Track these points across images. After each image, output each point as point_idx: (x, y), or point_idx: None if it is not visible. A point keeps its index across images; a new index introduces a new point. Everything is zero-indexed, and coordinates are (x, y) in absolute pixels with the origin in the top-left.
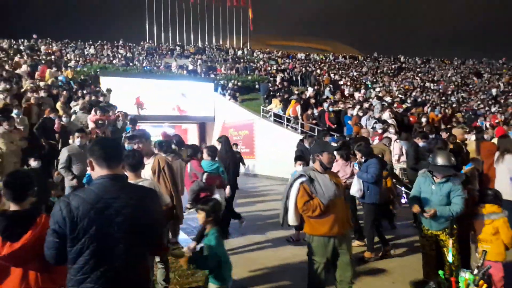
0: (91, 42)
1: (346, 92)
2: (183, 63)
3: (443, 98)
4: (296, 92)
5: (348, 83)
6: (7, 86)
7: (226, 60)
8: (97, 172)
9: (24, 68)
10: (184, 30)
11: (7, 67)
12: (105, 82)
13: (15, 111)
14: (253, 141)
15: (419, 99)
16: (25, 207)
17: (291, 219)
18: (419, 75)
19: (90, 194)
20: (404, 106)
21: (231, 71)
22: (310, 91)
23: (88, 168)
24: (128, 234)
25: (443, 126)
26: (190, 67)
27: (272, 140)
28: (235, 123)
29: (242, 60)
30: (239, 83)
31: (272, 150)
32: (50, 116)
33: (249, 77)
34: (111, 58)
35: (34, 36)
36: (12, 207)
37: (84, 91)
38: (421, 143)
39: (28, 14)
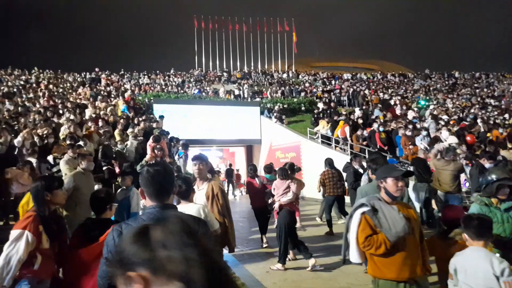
0: (145, 72)
1: (398, 112)
2: (230, 89)
3: (506, 115)
4: (344, 112)
5: (399, 102)
6: (71, 116)
7: (272, 83)
8: (148, 202)
9: (84, 100)
10: (231, 57)
11: (71, 98)
12: (158, 109)
13: (81, 142)
14: (300, 163)
15: (479, 117)
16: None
17: (354, 256)
18: (477, 90)
19: (140, 224)
20: (461, 124)
21: (277, 94)
22: (358, 112)
23: None
24: None
25: (509, 145)
26: (237, 92)
27: (320, 162)
28: (282, 145)
29: (287, 83)
30: (285, 106)
31: (320, 172)
32: (108, 143)
33: (295, 100)
34: (163, 86)
35: (96, 69)
36: None
37: (140, 119)
38: (487, 164)
39: (90, 49)
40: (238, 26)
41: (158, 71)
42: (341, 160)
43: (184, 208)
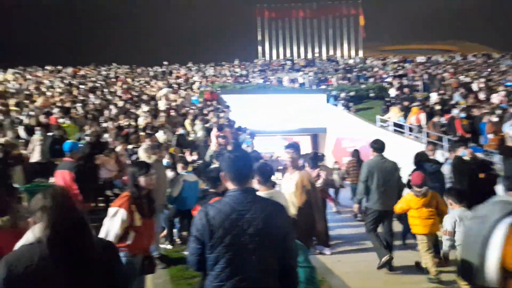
0: (212, 64)
1: (482, 96)
2: (294, 77)
3: None
4: (419, 98)
5: (483, 85)
6: (147, 108)
7: (337, 70)
8: (230, 185)
9: (163, 91)
10: (294, 45)
11: (146, 91)
12: (225, 99)
13: (160, 132)
14: (369, 152)
15: None
16: None
17: (492, 278)
18: None
19: (225, 205)
20: None
21: (343, 81)
22: (434, 97)
23: None
24: (259, 246)
25: None
26: (301, 80)
27: (391, 151)
28: (349, 134)
29: (354, 69)
30: (351, 93)
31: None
32: (181, 132)
33: (363, 86)
34: (229, 77)
35: (165, 62)
36: None
37: (207, 109)
38: None
39: (159, 44)
40: (302, 13)
41: (223, 62)
42: (415, 149)
43: (263, 193)
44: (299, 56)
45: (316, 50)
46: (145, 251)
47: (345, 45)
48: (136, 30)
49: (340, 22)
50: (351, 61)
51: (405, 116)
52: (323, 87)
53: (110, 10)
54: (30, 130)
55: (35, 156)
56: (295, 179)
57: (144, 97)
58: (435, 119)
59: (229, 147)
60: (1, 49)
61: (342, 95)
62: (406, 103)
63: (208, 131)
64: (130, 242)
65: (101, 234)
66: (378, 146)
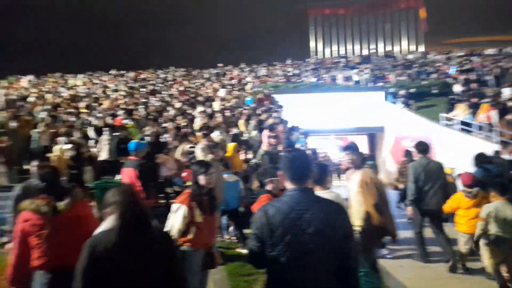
0: (265, 64)
1: None
2: (349, 75)
3: None
4: (489, 94)
5: None
6: (202, 109)
7: (396, 66)
8: (288, 185)
9: (221, 92)
10: (348, 41)
11: (201, 92)
12: (277, 99)
13: (216, 132)
14: (432, 152)
15: None
16: None
17: None
18: None
19: (283, 205)
20: None
21: (402, 77)
22: (507, 92)
23: None
24: (319, 246)
25: None
26: (356, 78)
27: (458, 151)
28: (409, 133)
29: (414, 65)
30: (412, 90)
31: (458, 163)
32: (236, 132)
33: (424, 82)
34: (281, 77)
35: (219, 64)
36: None
37: (261, 109)
38: None
39: (212, 46)
40: (356, 8)
41: (275, 62)
42: (485, 149)
43: (319, 193)
44: (353, 53)
45: (372, 46)
46: (206, 246)
47: (404, 40)
48: (192, 34)
49: (398, 16)
50: (410, 56)
51: (474, 114)
52: (380, 84)
53: (167, 16)
54: (98, 131)
55: (103, 155)
56: (357, 179)
57: (200, 98)
58: (509, 116)
59: (280, 147)
60: (72, 56)
61: (402, 92)
62: (474, 100)
63: (261, 130)
64: (191, 237)
65: (166, 228)
66: (422, 147)
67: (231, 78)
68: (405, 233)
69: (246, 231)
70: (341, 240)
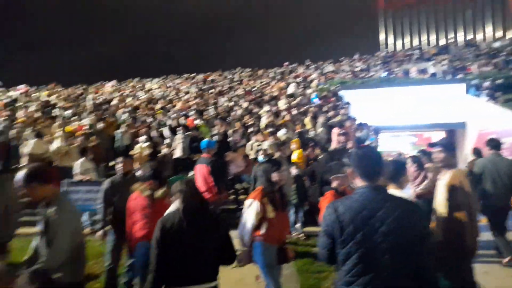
0: (331, 61)
1: None
2: (424, 67)
3: None
4: None
5: None
6: (268, 108)
7: (479, 56)
8: (359, 182)
9: (290, 89)
10: (423, 32)
11: (267, 92)
12: (345, 96)
13: (283, 130)
14: None
15: None
16: None
17: None
18: None
19: (354, 202)
20: None
21: (486, 67)
22: None
23: None
24: (393, 245)
25: None
26: (432, 70)
27: None
28: (495, 128)
29: (501, 53)
30: (498, 81)
31: None
32: (301, 130)
33: None
34: (348, 73)
35: (285, 63)
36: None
37: (327, 106)
38: None
39: (278, 45)
40: None
41: (342, 58)
42: None
43: (394, 193)
44: (428, 43)
45: (450, 35)
46: (279, 241)
47: (488, 26)
48: (258, 34)
49: (481, 1)
50: (496, 44)
51: None
52: (460, 76)
53: (234, 19)
54: (172, 130)
55: (177, 153)
56: (446, 180)
57: (266, 97)
58: None
59: (350, 144)
60: (148, 61)
61: (486, 84)
62: None
63: (328, 128)
64: (264, 232)
65: (241, 223)
66: (495, 144)
67: (296, 76)
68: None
69: (310, 228)
70: (416, 241)
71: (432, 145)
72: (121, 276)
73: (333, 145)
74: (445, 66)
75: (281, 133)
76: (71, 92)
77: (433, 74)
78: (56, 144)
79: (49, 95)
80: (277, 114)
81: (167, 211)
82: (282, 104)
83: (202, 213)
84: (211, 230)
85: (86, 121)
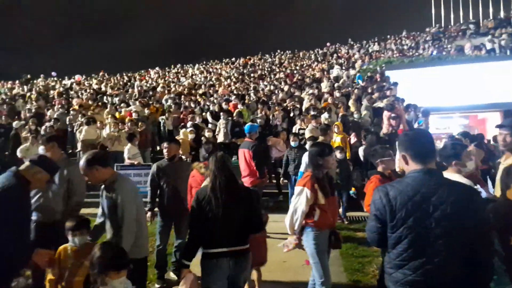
0: (376, 39)
1: None
2: (479, 43)
3: None
4: None
5: None
6: (310, 90)
7: None
8: (411, 166)
9: (335, 72)
10: (480, 3)
11: (308, 74)
12: (391, 76)
13: (326, 114)
14: None
15: None
16: None
17: None
18: None
19: (406, 186)
20: None
21: None
22: None
23: None
24: (447, 231)
25: None
26: (489, 46)
27: None
28: None
29: None
30: None
31: None
32: (344, 113)
33: None
34: (395, 52)
35: (328, 44)
36: None
37: (371, 87)
38: None
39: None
40: None
41: (388, 36)
42: None
43: (450, 176)
44: (486, 17)
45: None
46: (331, 226)
47: None
48: (297, 15)
49: None
50: None
51: None
52: None
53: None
54: (215, 115)
55: (220, 137)
56: (508, 163)
57: (307, 80)
58: None
59: (402, 127)
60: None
61: None
62: None
63: (373, 111)
64: (317, 219)
65: (290, 211)
66: None
67: (339, 57)
68: None
69: (354, 213)
70: (472, 228)
71: (499, 126)
72: (170, 256)
73: (384, 129)
74: (504, 41)
75: (324, 117)
76: (118, 79)
77: (490, 50)
78: (106, 130)
79: (98, 83)
80: (319, 97)
81: (203, 185)
82: (324, 86)
83: (229, 188)
84: (237, 202)
85: (133, 108)
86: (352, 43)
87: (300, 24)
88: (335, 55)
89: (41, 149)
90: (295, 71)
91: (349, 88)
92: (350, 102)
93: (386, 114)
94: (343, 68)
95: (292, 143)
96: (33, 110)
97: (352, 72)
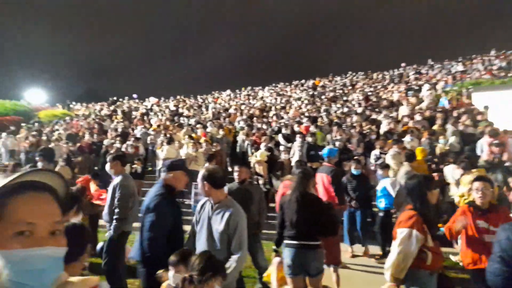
0: (460, 59)
1: None
2: None
3: None
4: None
5: None
6: (388, 113)
7: None
8: None
9: (396, 96)
10: None
11: (383, 96)
12: (479, 99)
13: (408, 138)
14: None
15: None
16: None
17: None
18: None
19: None
20: None
21: None
22: None
23: None
24: None
25: None
26: None
27: None
28: None
29: None
30: None
31: None
32: (428, 137)
33: None
34: (483, 72)
35: (402, 64)
36: None
37: (459, 111)
38: None
39: (393, 44)
40: None
41: (474, 55)
42: None
43: None
44: None
45: None
46: (440, 268)
47: None
48: (368, 34)
49: None
50: None
51: None
52: None
53: (342, 21)
54: (287, 137)
55: (295, 160)
56: None
57: (384, 102)
58: None
59: (506, 156)
60: (258, 71)
61: None
62: None
63: (462, 136)
64: (429, 263)
65: (393, 257)
66: None
67: (417, 78)
68: None
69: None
70: None
71: None
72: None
73: (485, 156)
74: None
75: (406, 141)
76: (193, 102)
77: None
78: (184, 150)
79: (175, 105)
80: (398, 120)
81: (287, 193)
82: (403, 109)
83: (303, 198)
84: (307, 210)
85: (208, 129)
86: (432, 63)
87: (374, 44)
88: (411, 75)
89: (107, 166)
90: (369, 93)
91: (432, 112)
92: (435, 127)
93: (487, 140)
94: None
95: (354, 171)
96: (119, 130)
97: (433, 94)
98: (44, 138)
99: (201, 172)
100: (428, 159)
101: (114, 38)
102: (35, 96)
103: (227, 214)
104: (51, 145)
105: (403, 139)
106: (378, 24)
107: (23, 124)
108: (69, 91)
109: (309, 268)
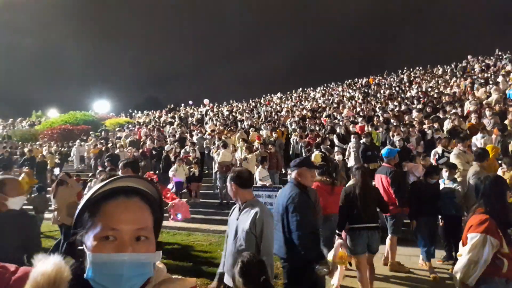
0: None
1: None
2: None
3: None
4: None
5: None
6: (453, 110)
7: None
8: None
9: (460, 91)
10: None
11: (445, 91)
12: None
13: (478, 135)
14: None
15: None
16: None
17: None
18: None
19: None
20: None
21: None
22: None
23: None
24: None
25: None
26: None
27: None
28: None
29: None
30: None
31: None
32: (499, 134)
33: None
34: None
35: (468, 56)
36: None
37: None
38: None
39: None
40: None
41: None
42: None
43: None
44: None
45: None
46: None
47: None
48: (423, 28)
49: None
50: None
51: None
52: None
53: (398, 16)
54: (342, 138)
55: (351, 161)
56: None
57: (446, 98)
58: None
59: None
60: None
61: None
62: None
63: None
64: (505, 271)
65: (463, 262)
66: None
67: (483, 70)
68: None
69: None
70: None
71: None
72: None
73: None
74: None
75: (475, 139)
76: (246, 106)
77: None
78: (239, 153)
79: (229, 110)
80: (463, 116)
81: (348, 183)
82: (469, 104)
83: (364, 187)
84: (368, 196)
85: (261, 132)
86: (500, 53)
87: (432, 37)
88: (477, 68)
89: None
90: (429, 89)
91: (504, 106)
92: (507, 121)
93: None
94: (491, 82)
95: (445, 178)
96: (177, 135)
97: (503, 86)
98: (109, 145)
99: (229, 174)
100: (499, 158)
101: (171, 47)
102: (101, 107)
103: (253, 213)
104: (116, 151)
105: (467, 138)
106: (430, 19)
107: (91, 133)
108: (131, 100)
109: (373, 248)
